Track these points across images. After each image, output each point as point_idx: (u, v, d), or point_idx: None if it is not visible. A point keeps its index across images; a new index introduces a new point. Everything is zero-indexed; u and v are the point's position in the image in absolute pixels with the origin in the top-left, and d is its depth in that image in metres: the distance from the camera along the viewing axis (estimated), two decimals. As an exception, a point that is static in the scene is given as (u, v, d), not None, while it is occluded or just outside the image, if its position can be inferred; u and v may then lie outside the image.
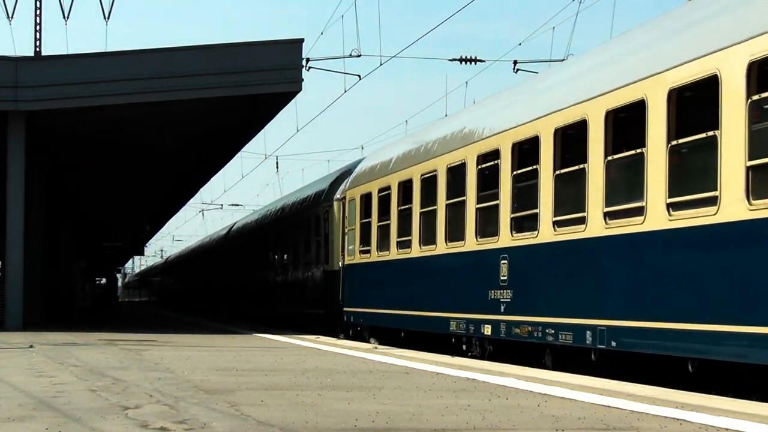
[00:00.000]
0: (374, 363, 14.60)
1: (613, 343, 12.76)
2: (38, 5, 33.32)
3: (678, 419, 8.00)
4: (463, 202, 17.57)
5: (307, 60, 28.93)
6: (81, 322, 34.67)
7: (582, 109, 13.86)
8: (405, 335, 21.13)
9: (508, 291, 15.82)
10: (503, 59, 48.24)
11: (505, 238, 15.90)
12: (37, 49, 32.78)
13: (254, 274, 41.85)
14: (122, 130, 32.80)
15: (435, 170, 18.96)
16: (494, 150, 16.47)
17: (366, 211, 23.37)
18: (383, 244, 22.03)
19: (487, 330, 16.49)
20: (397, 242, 21.01)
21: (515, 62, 29.76)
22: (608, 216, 13.09)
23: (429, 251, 19.24)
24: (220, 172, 53.79)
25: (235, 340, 22.18)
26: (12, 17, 35.43)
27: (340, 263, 25.55)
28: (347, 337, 24.65)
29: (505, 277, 15.90)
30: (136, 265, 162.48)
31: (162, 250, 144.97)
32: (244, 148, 40.59)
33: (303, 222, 31.90)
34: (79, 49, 48.27)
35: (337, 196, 27.15)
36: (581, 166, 13.70)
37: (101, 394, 9.56)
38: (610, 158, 13.16)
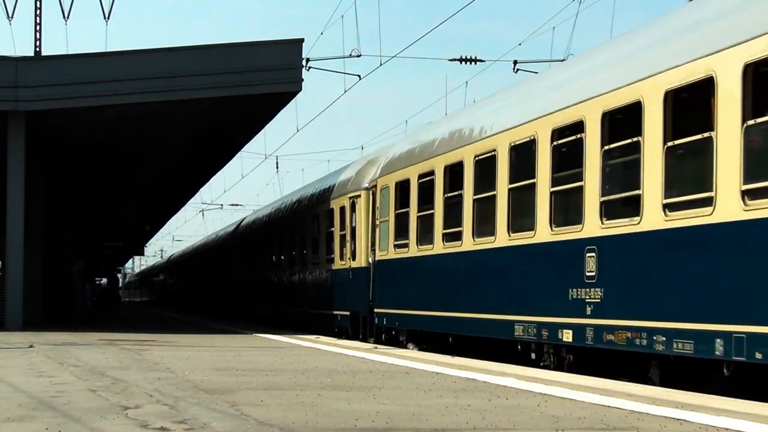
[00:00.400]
0: (374, 363, 14.61)
1: (758, 355, 10.35)
2: (38, 5, 33.33)
3: (678, 419, 8.00)
4: (532, 186, 15.12)
5: (307, 60, 28.96)
6: (81, 322, 34.67)
7: (707, 64, 11.39)
8: (454, 341, 18.77)
9: (597, 289, 13.33)
10: (503, 59, 48.30)
11: (593, 226, 13.43)
12: (37, 49, 32.79)
13: (268, 273, 38.47)
14: (122, 130, 32.80)
15: (493, 150, 16.55)
16: (577, 122, 14.03)
17: (402, 200, 21.02)
18: (425, 236, 19.65)
19: (567, 336, 13.93)
20: (444, 234, 18.63)
21: (515, 62, 29.79)
22: (747, 195, 10.60)
23: (485, 244, 16.89)
24: (220, 172, 53.85)
25: (235, 340, 22.18)
26: (12, 17, 35.44)
27: (369, 259, 23.50)
28: (378, 342, 22.34)
29: (593, 273, 13.41)
30: (136, 265, 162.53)
31: (162, 250, 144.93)
32: (244, 148, 40.66)
33: (325, 215, 28.59)
34: (79, 49, 48.32)
35: (365, 184, 24.54)
36: (707, 134, 11.22)
37: (101, 394, 9.56)
38: (751, 123, 10.67)
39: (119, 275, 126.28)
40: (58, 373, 12.18)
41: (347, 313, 25.60)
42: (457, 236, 18.07)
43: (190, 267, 67.58)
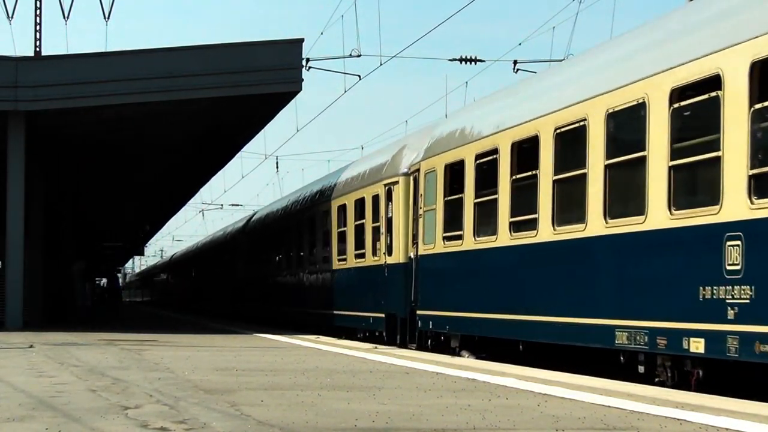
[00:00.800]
0: (374, 363, 14.60)
1: None
2: (38, 5, 33.34)
3: (678, 419, 8.00)
4: (641, 161, 12.47)
5: (307, 60, 28.97)
6: (81, 322, 34.67)
7: None
8: (525, 348, 15.93)
9: (746, 287, 10.66)
10: (503, 59, 48.25)
11: (736, 207, 10.84)
12: (37, 49, 32.81)
13: (281, 272, 35.13)
14: (122, 130, 32.80)
15: (582, 120, 13.87)
16: (710, 77, 11.37)
17: (454, 185, 18.41)
18: (485, 226, 17.00)
19: (698, 346, 11.31)
20: (512, 223, 15.88)
21: (515, 62, 29.80)
22: None
23: (571, 233, 14.10)
24: (220, 172, 53.82)
25: (235, 340, 22.18)
26: (12, 17, 35.47)
27: (410, 254, 20.77)
28: (420, 348, 19.84)
29: (738, 267, 10.75)
30: (137, 265, 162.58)
31: (162, 250, 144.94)
32: (244, 148, 40.67)
33: (352, 206, 25.67)
34: (79, 49, 48.34)
35: (404, 169, 21.85)
36: None
37: (101, 394, 9.56)
38: None
39: (119, 275, 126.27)
40: (58, 373, 12.18)
41: (381, 315, 22.75)
42: (529, 225, 15.32)
43: (194, 266, 64.66)
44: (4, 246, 27.96)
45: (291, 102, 30.07)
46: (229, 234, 49.04)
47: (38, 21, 33.20)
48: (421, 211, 19.97)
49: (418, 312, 19.90)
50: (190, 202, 62.27)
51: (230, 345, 19.91)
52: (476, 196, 17.32)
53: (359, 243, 24.87)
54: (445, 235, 18.65)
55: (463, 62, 30.53)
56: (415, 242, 20.39)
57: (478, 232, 17.28)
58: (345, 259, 26.25)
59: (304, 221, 31.40)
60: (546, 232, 14.82)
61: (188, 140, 36.90)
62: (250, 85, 28.02)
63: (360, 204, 25.02)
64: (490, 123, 17.18)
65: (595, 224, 13.48)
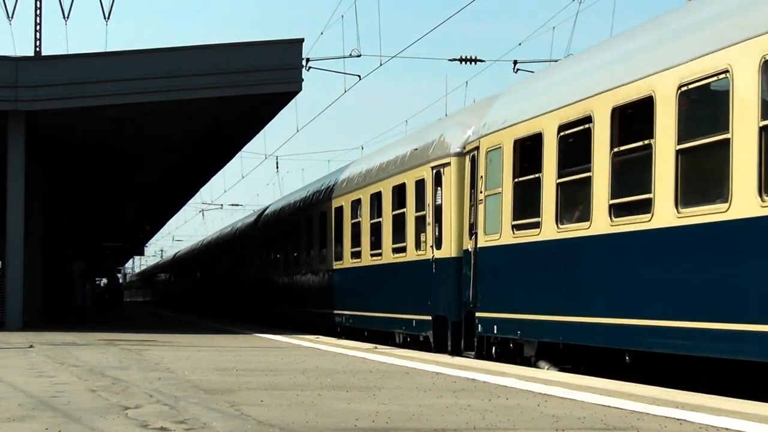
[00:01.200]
0: (374, 363, 14.60)
1: None
2: (38, 5, 33.35)
3: (678, 419, 8.00)
4: None
5: (307, 60, 28.98)
6: (81, 322, 34.68)
7: None
8: (633, 359, 12.99)
9: None
10: (503, 59, 48.28)
11: None
12: (37, 49, 32.81)
13: (304, 269, 31.32)
14: (122, 130, 32.81)
15: (724, 70, 11.10)
16: None
17: (526, 164, 15.80)
18: (572, 211, 14.45)
19: None
20: (613, 206, 13.20)
21: (515, 62, 29.83)
22: None
23: (707, 215, 11.30)
24: (220, 172, 53.85)
25: (235, 340, 22.18)
26: (12, 17, 35.47)
27: (469, 246, 17.88)
28: (481, 357, 16.97)
29: None
30: (137, 265, 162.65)
31: (162, 250, 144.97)
32: (244, 148, 40.67)
33: (390, 193, 22.68)
34: (79, 49, 48.34)
35: (457, 148, 19.09)
36: None
37: (101, 394, 9.56)
38: None
39: (119, 275, 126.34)
40: (58, 373, 12.18)
41: (426, 317, 19.90)
42: (639, 207, 12.67)
43: (200, 264, 61.03)
44: (4, 246, 27.97)
45: (291, 102, 30.10)
46: (239, 230, 45.67)
47: (38, 21, 33.21)
48: (481, 196, 17.24)
49: (478, 314, 17.20)
50: (190, 202, 62.32)
51: (230, 345, 19.90)
52: (560, 175, 14.58)
53: (398, 235, 22.12)
54: (515, 223, 15.96)
55: (463, 62, 30.54)
56: (473, 232, 17.56)
57: (562, 218, 14.56)
58: (379, 254, 23.31)
59: (328, 213, 28.31)
60: (666, 214, 12.02)
61: (188, 140, 36.91)
62: (250, 85, 28.03)
63: (399, 191, 22.18)
64: (579, 87, 14.40)
65: (745, 203, 10.63)
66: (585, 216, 13.91)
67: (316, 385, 10.75)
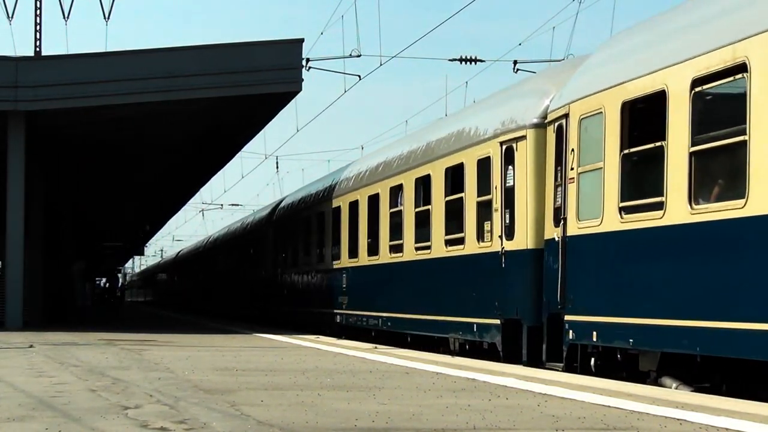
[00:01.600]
0: (374, 363, 14.60)
1: None
2: (38, 5, 33.36)
3: (678, 419, 8.00)
4: None
5: (307, 60, 28.98)
6: (81, 322, 34.68)
7: None
8: None
9: None
10: (503, 59, 48.26)
11: None
12: (37, 49, 32.81)
13: (329, 266, 28.01)
14: (122, 130, 32.82)
15: None
16: None
17: (636, 132, 13.10)
18: (714, 187, 11.60)
19: None
20: None
21: (515, 62, 29.84)
22: None
23: None
24: (220, 172, 53.85)
25: (235, 340, 22.18)
26: (12, 17, 35.48)
27: (555, 235, 14.81)
28: (571, 369, 14.09)
29: None
30: (137, 264, 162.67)
31: (162, 250, 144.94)
32: (244, 148, 40.68)
33: (446, 175, 19.44)
34: (79, 49, 48.30)
35: (534, 119, 16.03)
36: None
37: (101, 394, 9.56)
38: None
39: (119, 275, 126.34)
40: (58, 373, 12.18)
41: (493, 321, 16.83)
42: None
43: (206, 262, 57.30)
44: (4, 246, 27.97)
45: (291, 102, 30.11)
46: (250, 225, 42.23)
47: (38, 21, 33.21)
48: (572, 174, 14.32)
49: (569, 318, 14.19)
50: (190, 202, 62.32)
51: (230, 345, 19.90)
52: (694, 142, 11.68)
53: (452, 225, 19.03)
54: (623, 205, 13.11)
55: (463, 62, 30.55)
56: (560, 219, 14.63)
57: (697, 196, 11.70)
58: (427, 248, 20.25)
59: (360, 202, 25.08)
60: None
61: (188, 140, 36.92)
62: (249, 85, 28.03)
63: (455, 173, 19.08)
64: (726, 27, 11.48)
65: None
66: (737, 192, 10.92)
67: (316, 385, 10.75)
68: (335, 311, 26.96)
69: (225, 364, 14.10)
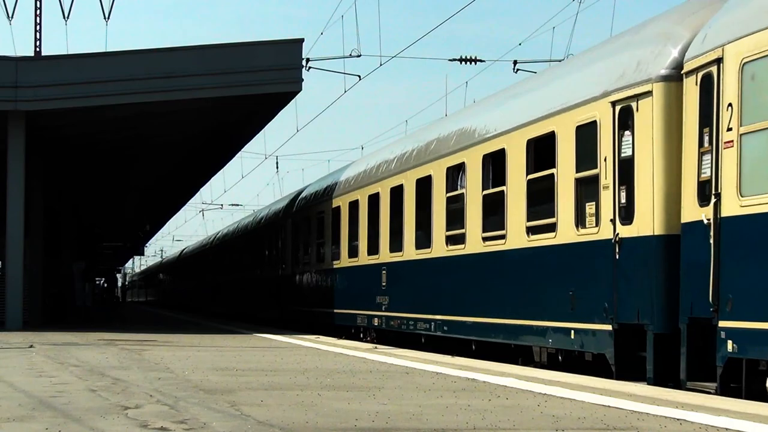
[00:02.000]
0: (374, 363, 14.60)
1: None
2: (38, 5, 33.37)
3: (678, 419, 8.00)
4: None
5: (307, 60, 28.98)
6: (81, 322, 34.68)
7: None
8: None
9: None
10: (503, 59, 48.34)
11: None
12: (37, 49, 32.83)
13: (368, 262, 24.18)
14: (122, 130, 32.82)
15: None
16: None
17: None
18: None
19: None
20: None
21: (515, 62, 29.83)
22: None
23: None
24: (220, 172, 53.84)
25: (235, 340, 22.17)
26: (12, 17, 35.50)
27: (703, 216, 11.40)
28: (728, 392, 10.93)
29: None
30: (137, 264, 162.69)
31: (162, 250, 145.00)
32: (244, 148, 40.69)
33: (528, 149, 16.05)
34: (79, 49, 48.36)
35: (663, 70, 12.80)
36: None
37: (101, 394, 9.56)
38: None
39: (119, 275, 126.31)
40: (58, 373, 12.18)
41: (603, 327, 13.50)
42: None
43: (214, 260, 53.03)
44: (4, 246, 27.97)
45: (291, 102, 30.10)
46: (265, 219, 38.31)
47: (38, 21, 33.23)
48: (730, 136, 10.98)
49: (725, 324, 10.87)
50: (190, 202, 62.31)
51: (230, 345, 19.90)
52: None
53: (539, 209, 15.73)
54: None
55: (463, 62, 30.54)
56: (710, 194, 11.32)
57: None
58: (500, 237, 16.82)
59: (405, 186, 21.65)
60: None
61: (188, 140, 36.91)
62: (250, 85, 28.02)
63: (541, 145, 15.86)
64: None
65: None
66: None
67: (316, 385, 10.75)
68: (372, 313, 23.60)
69: (225, 364, 14.10)
